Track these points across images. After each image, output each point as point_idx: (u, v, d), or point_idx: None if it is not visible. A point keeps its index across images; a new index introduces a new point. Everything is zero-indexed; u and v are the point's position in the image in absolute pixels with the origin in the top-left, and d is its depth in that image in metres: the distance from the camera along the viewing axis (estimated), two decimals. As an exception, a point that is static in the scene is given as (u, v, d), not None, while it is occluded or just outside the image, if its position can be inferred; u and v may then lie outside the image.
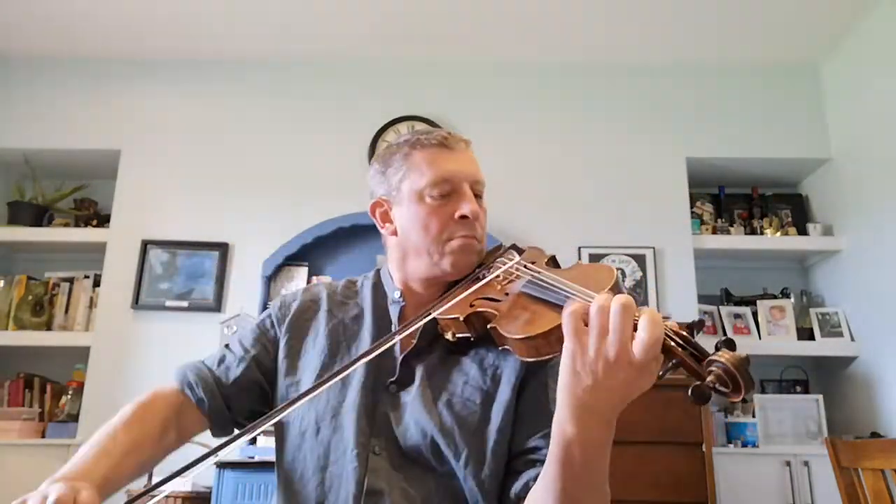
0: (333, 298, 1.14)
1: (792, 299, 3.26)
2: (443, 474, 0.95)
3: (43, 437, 2.93)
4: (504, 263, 0.98)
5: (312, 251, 3.15)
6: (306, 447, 0.99)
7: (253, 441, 2.81)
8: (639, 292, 3.12)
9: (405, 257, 1.07)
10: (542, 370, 0.99)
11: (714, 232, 3.31)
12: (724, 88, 3.42)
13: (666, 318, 0.71)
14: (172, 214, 3.23)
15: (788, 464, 2.70)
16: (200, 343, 2.99)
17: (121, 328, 3.06)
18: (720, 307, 3.25)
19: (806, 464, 2.69)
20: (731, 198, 3.49)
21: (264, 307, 3.02)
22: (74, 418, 2.96)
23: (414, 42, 3.34)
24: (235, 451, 2.74)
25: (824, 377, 3.26)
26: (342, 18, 3.16)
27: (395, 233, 1.08)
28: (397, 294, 1.08)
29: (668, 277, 3.15)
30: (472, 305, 0.95)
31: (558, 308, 0.82)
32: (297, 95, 3.42)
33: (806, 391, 3.17)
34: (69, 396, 3.02)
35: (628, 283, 3.14)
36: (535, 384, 0.99)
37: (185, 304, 3.10)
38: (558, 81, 3.45)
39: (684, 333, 0.68)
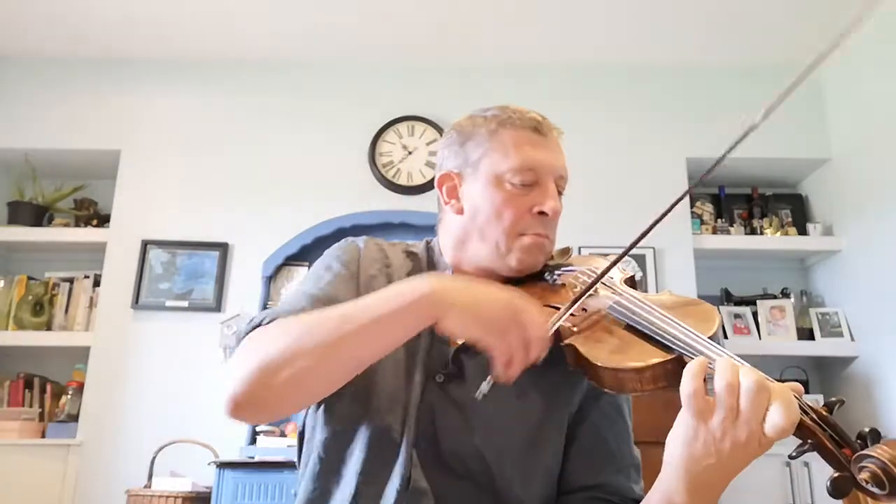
0: (403, 267, 1.01)
1: (792, 299, 3.26)
2: (485, 485, 0.86)
3: (43, 437, 2.93)
4: (592, 274, 0.86)
5: (312, 251, 3.15)
6: (364, 422, 0.88)
7: (253, 441, 2.81)
8: (639, 292, 3.12)
9: (466, 240, 0.98)
10: (602, 398, 0.92)
11: (714, 232, 3.31)
12: (724, 88, 3.42)
13: (795, 386, 0.64)
14: (172, 214, 3.23)
15: (788, 464, 2.70)
16: (200, 343, 3.00)
17: (121, 328, 3.06)
18: (720, 307, 3.25)
19: (806, 464, 2.69)
20: (731, 198, 3.48)
21: (264, 307, 3.02)
22: (74, 418, 2.96)
23: (414, 42, 3.34)
24: (235, 451, 2.74)
25: (824, 377, 3.26)
26: (342, 18, 3.16)
27: (460, 211, 0.98)
28: (449, 274, 0.99)
29: (668, 277, 3.15)
30: None
31: (654, 342, 0.75)
32: (297, 95, 3.42)
33: (806, 391, 3.15)
34: (69, 396, 3.01)
35: (628, 283, 3.13)
36: (597, 415, 0.92)
37: (185, 304, 3.10)
38: (558, 81, 3.44)
39: (823, 412, 0.62)
